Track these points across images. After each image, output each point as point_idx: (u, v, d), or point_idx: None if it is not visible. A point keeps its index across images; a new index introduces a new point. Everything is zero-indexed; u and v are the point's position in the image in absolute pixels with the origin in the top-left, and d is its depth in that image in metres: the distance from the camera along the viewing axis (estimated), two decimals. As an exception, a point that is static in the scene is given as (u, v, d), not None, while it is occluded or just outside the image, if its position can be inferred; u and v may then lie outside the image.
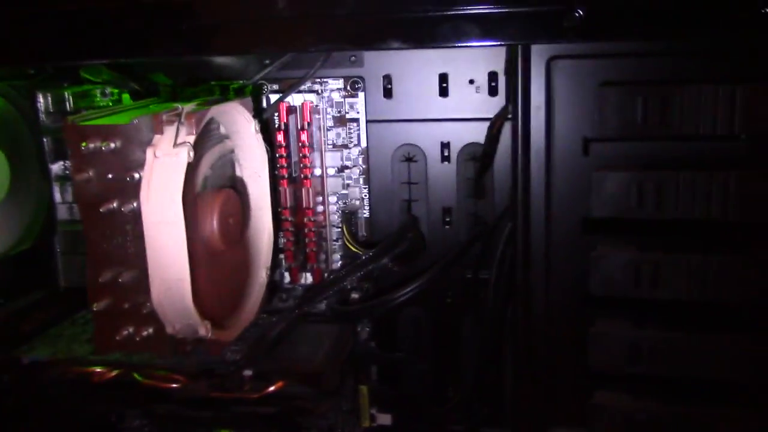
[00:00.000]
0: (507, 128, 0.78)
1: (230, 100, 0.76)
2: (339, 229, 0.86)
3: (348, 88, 0.83)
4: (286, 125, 0.81)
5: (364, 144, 0.83)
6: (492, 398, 0.84)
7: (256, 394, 0.75)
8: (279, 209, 0.83)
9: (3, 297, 0.83)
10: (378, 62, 0.82)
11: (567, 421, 0.67)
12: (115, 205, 0.66)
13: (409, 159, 0.83)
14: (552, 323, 0.66)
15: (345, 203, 0.85)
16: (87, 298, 0.71)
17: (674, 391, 0.64)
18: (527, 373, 0.68)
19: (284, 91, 0.82)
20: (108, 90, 0.86)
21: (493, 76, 0.79)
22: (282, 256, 0.86)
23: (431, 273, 0.79)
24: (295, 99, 0.82)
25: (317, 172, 0.84)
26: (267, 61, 0.82)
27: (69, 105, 0.84)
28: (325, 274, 0.86)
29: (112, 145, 0.65)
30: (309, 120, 0.81)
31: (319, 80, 0.83)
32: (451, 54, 0.80)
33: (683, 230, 0.62)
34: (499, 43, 0.64)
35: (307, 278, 0.87)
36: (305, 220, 0.84)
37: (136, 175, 0.65)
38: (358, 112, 0.83)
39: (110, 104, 0.86)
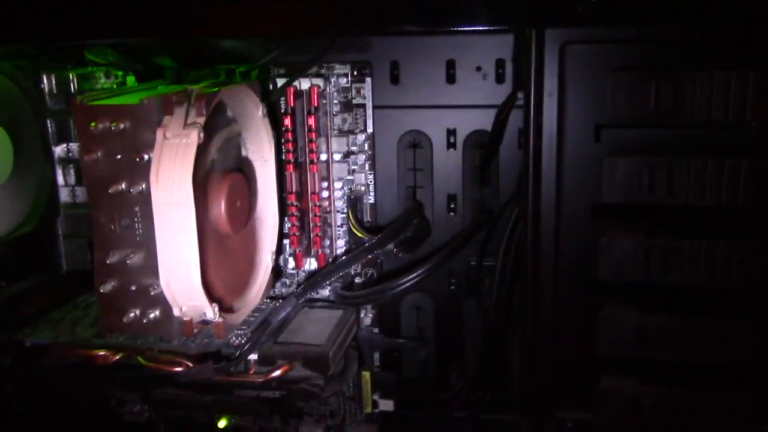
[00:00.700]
0: (513, 116, 0.79)
1: (238, 83, 0.76)
2: (344, 215, 0.85)
3: (355, 73, 0.82)
4: (293, 109, 0.81)
5: (370, 130, 0.83)
6: (496, 384, 0.84)
7: (261, 378, 0.75)
8: (284, 194, 0.83)
9: (5, 280, 0.83)
10: (385, 48, 0.81)
11: (574, 406, 0.67)
12: (123, 186, 0.66)
13: (415, 145, 0.83)
14: (560, 308, 0.66)
15: (350, 189, 0.85)
16: (90, 281, 0.71)
17: (681, 376, 0.65)
18: (535, 358, 0.68)
19: (291, 76, 0.82)
20: (112, 72, 0.85)
21: (500, 64, 0.79)
22: (287, 241, 0.86)
23: (436, 259, 0.79)
24: (302, 83, 0.81)
25: (323, 157, 0.83)
26: (273, 45, 0.82)
27: (73, 87, 0.83)
28: (330, 259, 0.86)
29: (122, 125, 0.65)
30: (316, 104, 0.81)
31: (326, 65, 0.82)
32: (459, 41, 0.80)
33: (693, 217, 0.63)
34: (512, 27, 0.64)
35: (312, 263, 0.87)
36: (310, 205, 0.84)
37: (146, 156, 0.65)
38: (364, 98, 0.83)
39: (114, 87, 0.85)
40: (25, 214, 0.83)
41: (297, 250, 0.86)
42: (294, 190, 0.83)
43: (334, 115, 0.83)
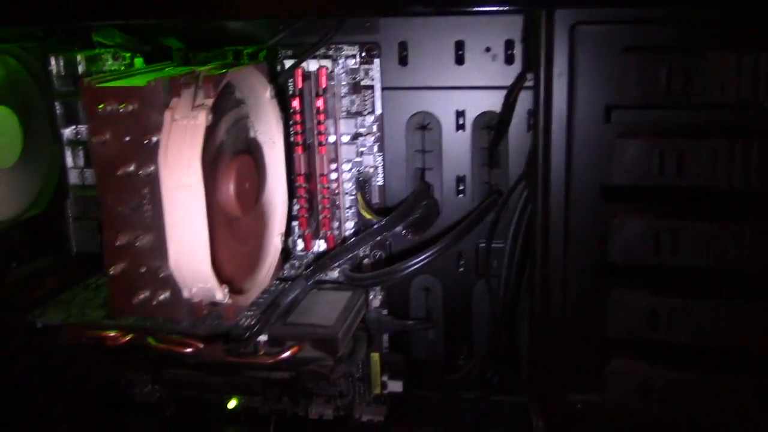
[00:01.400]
0: (522, 97, 0.78)
1: (246, 64, 0.76)
2: (352, 197, 0.85)
3: (363, 54, 0.82)
4: (302, 91, 0.81)
5: (378, 111, 0.83)
6: (504, 366, 0.84)
7: (270, 359, 0.75)
8: (293, 176, 0.83)
9: (15, 261, 0.83)
10: (394, 29, 0.81)
11: (583, 388, 0.68)
12: (132, 168, 0.66)
13: (423, 127, 0.83)
14: (569, 290, 0.66)
15: (359, 170, 0.85)
16: (99, 263, 0.71)
17: (691, 358, 0.65)
18: (543, 339, 0.68)
19: (299, 57, 0.81)
20: (120, 54, 0.85)
21: (509, 45, 0.79)
22: (296, 223, 0.86)
23: (445, 241, 0.79)
24: (310, 65, 0.81)
25: (331, 139, 0.83)
26: (281, 27, 0.81)
27: (81, 69, 0.83)
28: (339, 241, 0.86)
29: (130, 107, 0.65)
30: (324, 86, 0.81)
31: (334, 46, 0.82)
32: (468, 21, 0.79)
33: (704, 198, 0.62)
34: (522, 7, 0.63)
35: (320, 245, 0.87)
36: (319, 187, 0.83)
37: (154, 138, 0.65)
38: (373, 79, 0.82)
39: (122, 69, 0.85)
40: (35, 196, 0.83)
41: (306, 232, 0.86)
42: (303, 172, 0.82)
43: (343, 96, 0.83)
